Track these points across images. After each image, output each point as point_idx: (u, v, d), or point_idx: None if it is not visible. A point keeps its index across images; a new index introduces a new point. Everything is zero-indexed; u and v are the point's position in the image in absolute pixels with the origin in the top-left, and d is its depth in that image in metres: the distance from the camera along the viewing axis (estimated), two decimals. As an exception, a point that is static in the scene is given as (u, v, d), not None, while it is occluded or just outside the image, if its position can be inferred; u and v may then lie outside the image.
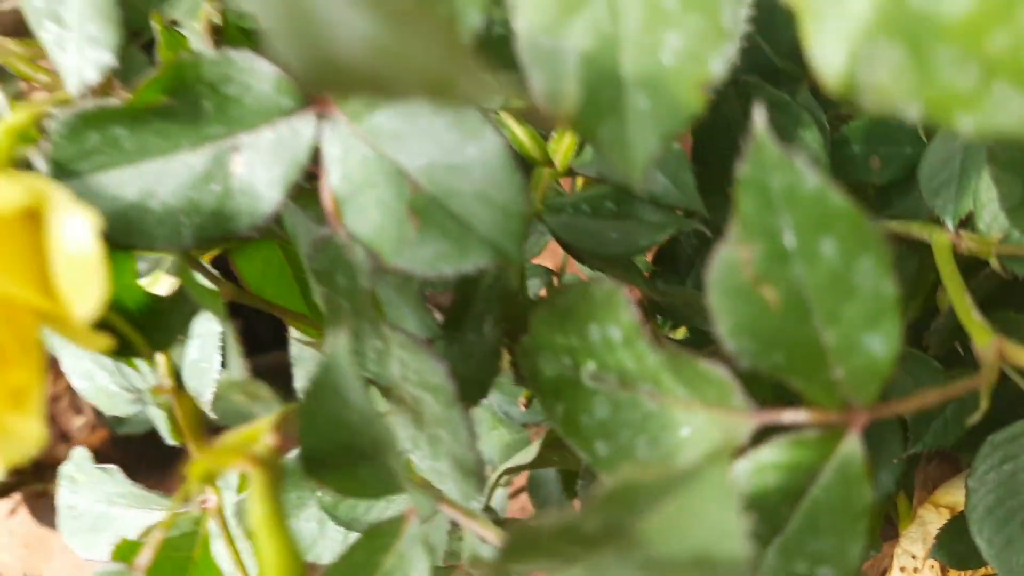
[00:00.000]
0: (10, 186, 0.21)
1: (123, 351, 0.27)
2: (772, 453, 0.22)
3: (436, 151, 0.26)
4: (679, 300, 0.38)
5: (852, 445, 0.22)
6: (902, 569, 0.44)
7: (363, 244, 0.27)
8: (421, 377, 0.26)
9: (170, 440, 0.40)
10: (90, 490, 0.40)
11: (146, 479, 1.28)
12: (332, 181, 0.27)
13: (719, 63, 0.20)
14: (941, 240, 0.31)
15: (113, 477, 0.39)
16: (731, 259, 0.20)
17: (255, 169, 0.28)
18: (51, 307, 0.20)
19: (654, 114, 0.21)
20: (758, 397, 0.22)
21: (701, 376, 0.23)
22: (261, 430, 0.24)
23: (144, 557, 0.30)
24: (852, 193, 0.19)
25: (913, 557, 0.44)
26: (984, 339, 0.25)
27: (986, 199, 0.29)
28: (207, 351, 0.38)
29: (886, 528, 0.49)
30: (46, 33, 0.30)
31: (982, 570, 0.42)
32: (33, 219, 0.22)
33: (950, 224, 0.31)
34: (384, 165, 0.27)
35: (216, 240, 0.28)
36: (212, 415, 0.37)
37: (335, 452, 0.23)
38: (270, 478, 0.21)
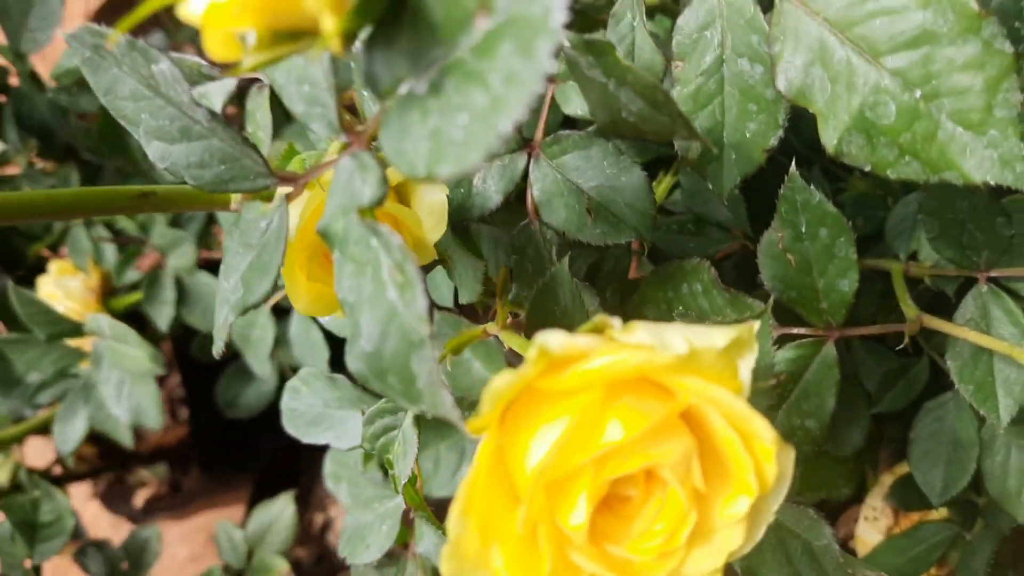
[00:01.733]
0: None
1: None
2: (786, 352, 0.41)
3: (602, 178, 0.45)
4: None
5: (830, 349, 0.41)
6: (866, 518, 0.62)
7: (553, 228, 0.45)
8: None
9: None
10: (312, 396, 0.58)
11: (220, 477, 1.44)
12: (534, 193, 0.46)
13: (774, 139, 0.39)
14: (896, 268, 0.49)
15: (337, 384, 0.57)
16: (773, 238, 0.39)
17: (487, 182, 0.47)
18: (419, 235, 0.39)
19: (738, 163, 0.40)
20: (780, 320, 0.41)
21: (749, 306, 0.41)
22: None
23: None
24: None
25: (874, 508, 0.61)
26: (912, 313, 0.44)
27: (924, 241, 0.48)
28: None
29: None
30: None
31: (917, 515, 0.60)
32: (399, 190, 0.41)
33: (902, 257, 0.50)
34: (568, 185, 0.46)
35: (461, 219, 0.47)
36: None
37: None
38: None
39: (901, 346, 0.43)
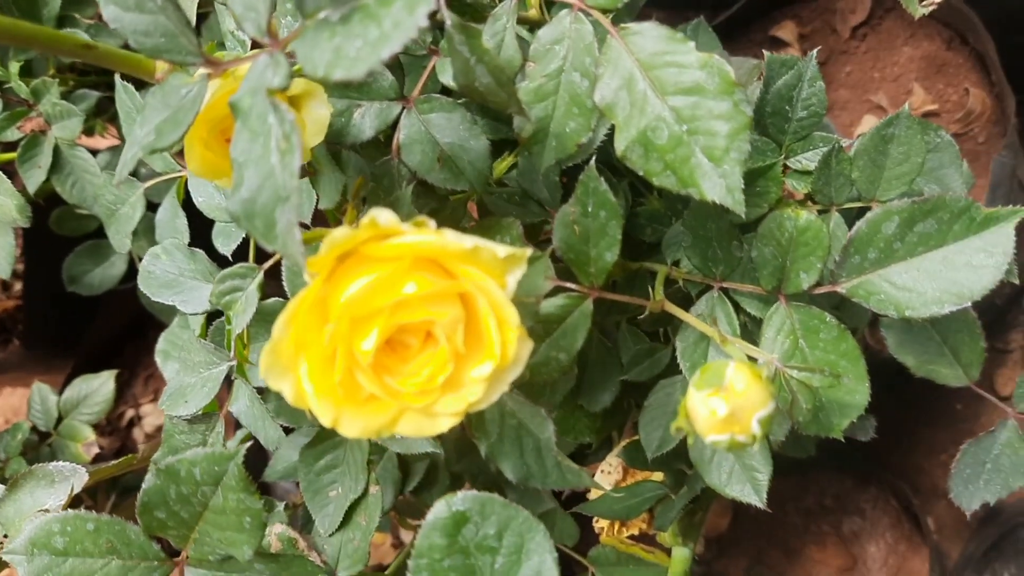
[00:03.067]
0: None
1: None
2: (558, 300, 0.54)
3: (456, 137, 0.57)
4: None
5: (588, 303, 0.54)
6: (602, 471, 0.76)
7: (408, 167, 0.57)
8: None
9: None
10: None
11: (39, 357, 1.46)
12: (400, 137, 0.57)
13: (585, 138, 0.52)
14: (662, 270, 0.63)
15: (195, 257, 0.66)
16: (567, 211, 0.52)
17: (365, 119, 0.58)
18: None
19: (556, 149, 0.53)
20: (561, 277, 0.54)
21: (540, 260, 0.54)
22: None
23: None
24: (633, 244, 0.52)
25: (610, 464, 0.76)
26: (658, 297, 0.58)
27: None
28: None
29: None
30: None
31: (641, 475, 0.74)
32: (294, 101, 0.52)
33: (669, 262, 0.64)
34: (428, 136, 0.57)
35: (336, 142, 0.58)
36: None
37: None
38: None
39: (643, 316, 0.56)
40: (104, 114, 1.11)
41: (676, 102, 0.48)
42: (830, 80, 1.02)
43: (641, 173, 0.49)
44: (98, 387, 1.08)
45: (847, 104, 0.98)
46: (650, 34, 0.49)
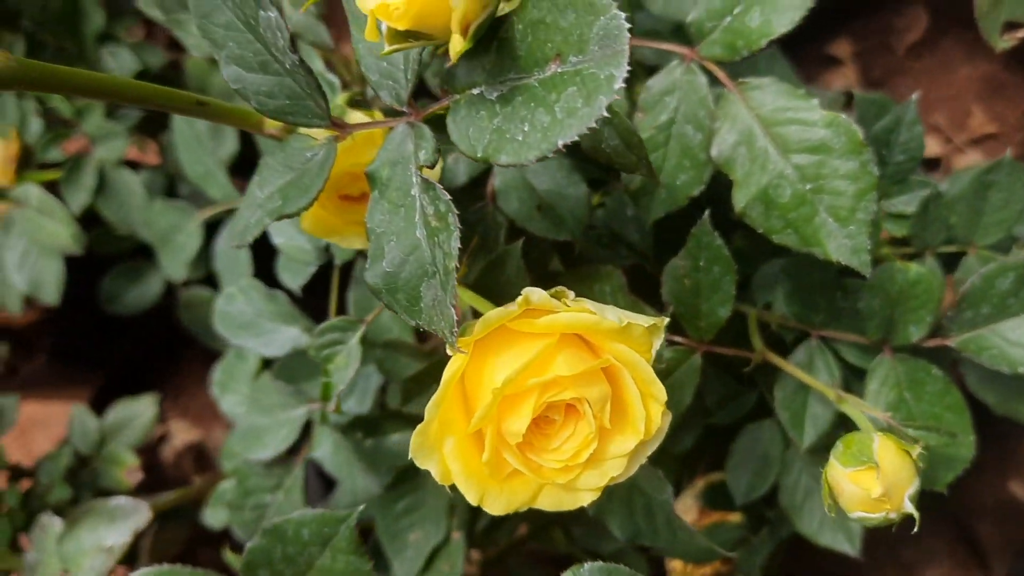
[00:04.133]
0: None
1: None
2: (666, 353, 0.53)
3: (554, 185, 0.55)
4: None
5: (697, 358, 0.53)
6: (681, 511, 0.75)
7: (504, 214, 0.56)
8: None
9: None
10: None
11: (65, 372, 1.44)
12: (495, 183, 0.56)
13: (697, 191, 0.51)
14: (753, 312, 0.62)
15: (275, 299, 0.65)
16: (677, 264, 0.51)
17: (459, 164, 0.57)
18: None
19: (666, 202, 0.52)
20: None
21: (647, 313, 0.53)
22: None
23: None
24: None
25: (686, 504, 0.75)
26: (758, 346, 0.57)
27: (779, 296, 0.61)
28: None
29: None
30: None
31: (717, 516, 0.74)
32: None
33: (759, 305, 0.63)
34: (526, 183, 0.56)
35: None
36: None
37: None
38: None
39: (748, 369, 0.55)
40: (144, 131, 1.09)
41: (799, 160, 0.47)
42: (882, 100, 1.01)
43: (760, 230, 0.49)
44: (141, 412, 1.06)
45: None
46: (771, 89, 0.48)
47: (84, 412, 1.08)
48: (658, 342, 0.40)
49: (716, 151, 0.48)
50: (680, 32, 0.67)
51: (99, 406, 1.31)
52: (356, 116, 0.49)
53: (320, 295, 0.72)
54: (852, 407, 0.49)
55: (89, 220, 1.00)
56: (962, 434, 0.54)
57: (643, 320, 0.39)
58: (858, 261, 0.46)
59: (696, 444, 0.69)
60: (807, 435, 0.57)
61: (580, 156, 0.60)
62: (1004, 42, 0.71)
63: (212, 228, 0.84)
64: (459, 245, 0.36)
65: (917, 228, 0.60)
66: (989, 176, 0.58)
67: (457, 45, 0.33)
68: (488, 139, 0.35)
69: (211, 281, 1.01)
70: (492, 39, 0.35)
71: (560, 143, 0.32)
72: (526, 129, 0.33)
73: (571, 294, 0.40)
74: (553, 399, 0.38)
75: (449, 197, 0.36)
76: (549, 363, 0.38)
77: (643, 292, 0.63)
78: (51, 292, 0.90)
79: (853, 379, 0.59)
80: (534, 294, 0.37)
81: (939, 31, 1.00)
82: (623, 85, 0.31)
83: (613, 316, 0.38)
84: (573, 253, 0.64)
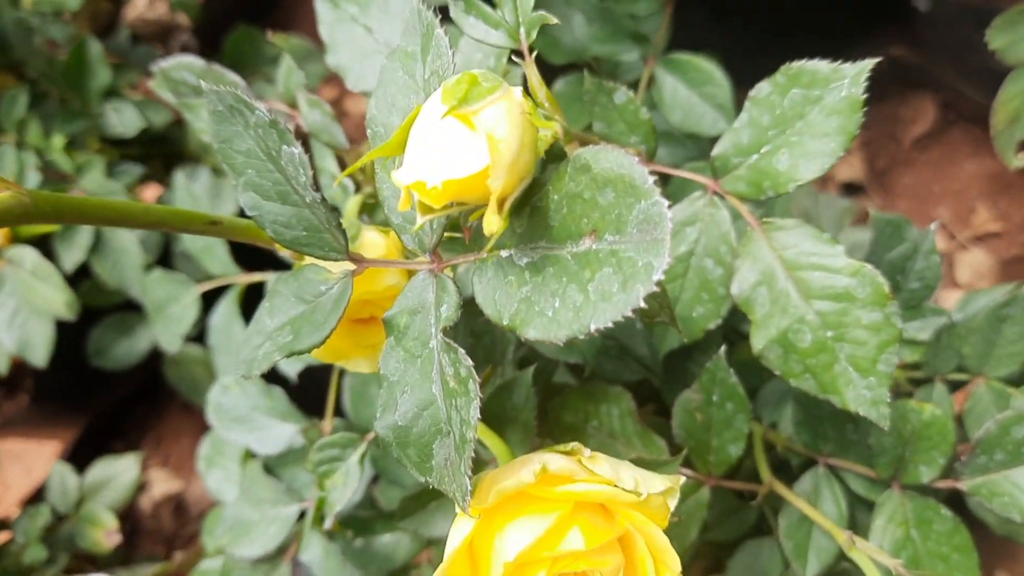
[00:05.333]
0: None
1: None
2: (683, 479, 0.52)
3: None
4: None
5: (705, 492, 0.52)
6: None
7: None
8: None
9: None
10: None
11: (47, 415, 1.41)
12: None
13: (713, 325, 0.50)
14: (759, 431, 0.61)
15: (271, 394, 0.63)
16: (689, 397, 0.50)
17: (469, 275, 0.56)
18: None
19: (687, 330, 0.51)
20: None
21: (654, 443, 0.52)
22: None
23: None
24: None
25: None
26: (766, 476, 0.55)
27: (786, 417, 0.60)
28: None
29: None
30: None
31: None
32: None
33: (765, 423, 0.62)
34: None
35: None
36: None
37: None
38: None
39: (755, 502, 0.54)
40: (142, 184, 1.08)
41: (822, 306, 0.46)
42: (889, 189, 1.01)
43: (778, 372, 0.48)
44: (122, 471, 1.04)
45: (907, 216, 0.97)
46: (795, 231, 0.47)
47: (65, 469, 1.06)
48: (673, 503, 0.39)
49: (736, 289, 0.48)
50: (695, 140, 0.67)
51: (81, 449, 1.29)
52: (368, 236, 0.48)
53: (319, 378, 0.70)
54: (862, 554, 0.48)
55: (80, 270, 0.98)
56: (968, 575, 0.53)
57: (659, 484, 0.38)
58: (876, 413, 0.45)
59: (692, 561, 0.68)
60: (810, 566, 0.56)
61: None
62: (1019, 161, 0.70)
63: (209, 299, 0.83)
64: (478, 415, 0.35)
65: (929, 355, 0.59)
66: (1004, 310, 0.57)
67: (494, 225, 0.32)
68: (516, 308, 0.34)
69: (201, 338, 0.99)
70: (525, 204, 0.34)
71: (593, 328, 0.31)
72: (556, 305, 0.32)
73: (586, 451, 0.39)
74: (567, 571, 0.37)
75: (471, 363, 0.35)
76: (563, 534, 0.36)
77: (651, 403, 0.62)
78: (40, 354, 0.88)
79: (859, 508, 0.58)
80: (552, 463, 0.36)
81: (947, 124, 1.01)
82: (662, 277, 0.30)
83: (629, 479, 0.37)
84: (578, 368, 0.63)
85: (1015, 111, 0.70)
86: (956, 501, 0.55)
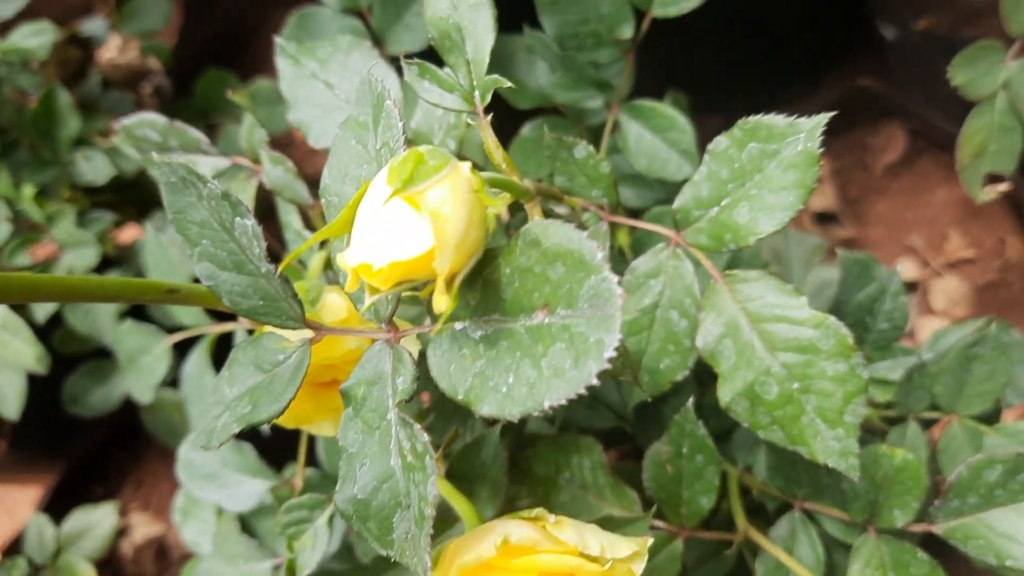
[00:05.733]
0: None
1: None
2: (651, 540, 0.51)
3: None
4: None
5: (678, 544, 0.51)
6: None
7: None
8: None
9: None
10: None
11: (24, 460, 1.39)
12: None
13: (680, 376, 0.50)
14: (734, 474, 0.61)
15: (242, 450, 0.63)
16: (659, 449, 0.50)
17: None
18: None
19: (648, 385, 0.50)
20: (645, 510, 0.51)
21: (626, 496, 0.51)
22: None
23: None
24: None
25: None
26: (741, 523, 0.55)
27: (761, 460, 0.60)
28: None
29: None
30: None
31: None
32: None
33: (740, 466, 0.61)
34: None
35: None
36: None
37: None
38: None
39: (730, 552, 0.54)
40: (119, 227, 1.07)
41: (787, 359, 0.46)
42: (862, 218, 1.02)
43: (746, 425, 0.47)
44: (99, 521, 1.03)
45: (880, 244, 0.97)
46: (758, 283, 0.47)
47: (42, 520, 1.04)
48: (640, 567, 0.39)
49: (701, 341, 0.47)
50: (663, 183, 0.67)
51: (61, 493, 1.27)
52: (330, 298, 0.47)
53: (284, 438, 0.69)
54: (837, 605, 0.48)
55: (53, 319, 0.97)
56: (947, 621, 0.53)
57: (626, 548, 0.37)
58: (845, 464, 0.45)
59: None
60: (790, 614, 0.56)
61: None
62: (985, 195, 0.71)
63: (182, 348, 0.82)
64: (436, 491, 0.34)
65: (901, 395, 0.59)
66: (974, 349, 0.57)
67: (442, 304, 0.31)
68: (471, 383, 0.33)
69: (176, 383, 0.98)
70: (478, 276, 0.34)
71: (547, 405, 0.31)
72: (511, 381, 0.32)
73: (551, 517, 0.38)
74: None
75: (427, 439, 0.35)
76: (529, 607, 0.36)
77: (626, 444, 0.62)
78: (12, 408, 0.87)
79: (837, 550, 0.58)
80: (514, 534, 0.36)
81: (917, 151, 1.01)
82: (613, 354, 0.30)
83: (595, 544, 0.37)
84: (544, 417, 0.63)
85: (979, 146, 0.70)
86: (933, 540, 0.55)
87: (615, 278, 0.30)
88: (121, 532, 1.40)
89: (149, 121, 0.62)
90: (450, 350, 0.35)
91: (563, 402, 0.31)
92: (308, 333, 0.41)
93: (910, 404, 0.60)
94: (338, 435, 0.38)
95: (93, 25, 1.15)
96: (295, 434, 0.68)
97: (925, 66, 0.99)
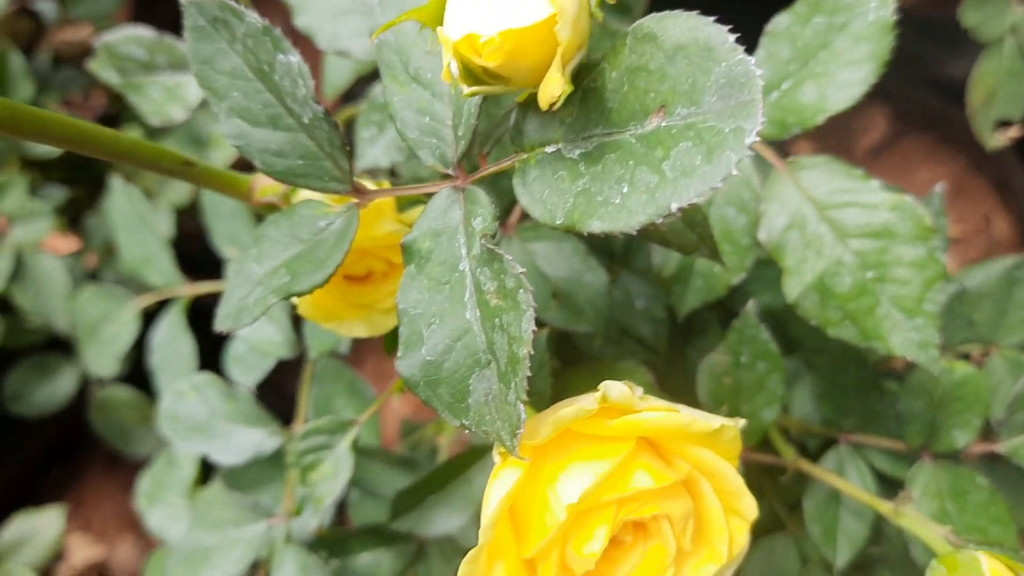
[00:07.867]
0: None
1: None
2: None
3: (569, 272, 0.50)
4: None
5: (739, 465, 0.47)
6: None
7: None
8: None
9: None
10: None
11: None
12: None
13: (737, 279, 0.46)
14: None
15: (234, 396, 0.57)
16: (716, 360, 0.46)
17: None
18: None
19: (702, 291, 0.47)
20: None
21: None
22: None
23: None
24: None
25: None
26: (789, 455, 0.51)
27: (797, 396, 0.57)
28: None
29: None
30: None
31: None
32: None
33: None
34: (535, 269, 0.50)
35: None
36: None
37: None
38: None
39: (784, 477, 0.50)
40: (65, 214, 1.00)
41: (859, 245, 0.43)
42: (843, 201, 1.00)
43: (814, 323, 0.44)
44: (43, 527, 0.94)
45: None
46: (823, 168, 0.44)
47: (-24, 528, 0.95)
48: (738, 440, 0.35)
49: (765, 235, 0.44)
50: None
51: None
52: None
53: (269, 395, 0.64)
54: (911, 521, 0.44)
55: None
56: (1008, 549, 0.50)
57: (732, 422, 0.33)
58: (926, 357, 0.42)
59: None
60: (841, 552, 0.52)
61: (589, 241, 0.55)
62: (996, 140, 0.70)
63: (147, 319, 0.75)
64: (534, 327, 0.30)
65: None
66: (1016, 272, 0.55)
67: (557, 87, 0.27)
68: (572, 203, 0.29)
69: (132, 379, 0.91)
70: (575, 90, 0.30)
71: (675, 207, 0.27)
72: (625, 191, 0.28)
73: (639, 389, 0.34)
74: (635, 516, 0.32)
75: (522, 270, 0.30)
76: (630, 473, 0.31)
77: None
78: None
79: (884, 488, 0.54)
80: (612, 389, 0.31)
81: (897, 133, 1.01)
82: (756, 139, 0.26)
83: (688, 415, 0.33)
84: (572, 350, 0.58)
85: (990, 89, 0.69)
86: (991, 465, 0.52)
87: (750, 59, 0.27)
88: (57, 557, 1.29)
89: (135, 37, 0.57)
90: (542, 176, 0.30)
91: (694, 200, 0.27)
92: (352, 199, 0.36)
93: (948, 336, 0.57)
94: (397, 298, 0.33)
95: (43, 5, 1.09)
96: (272, 392, 0.63)
97: (902, 47, 1.00)
